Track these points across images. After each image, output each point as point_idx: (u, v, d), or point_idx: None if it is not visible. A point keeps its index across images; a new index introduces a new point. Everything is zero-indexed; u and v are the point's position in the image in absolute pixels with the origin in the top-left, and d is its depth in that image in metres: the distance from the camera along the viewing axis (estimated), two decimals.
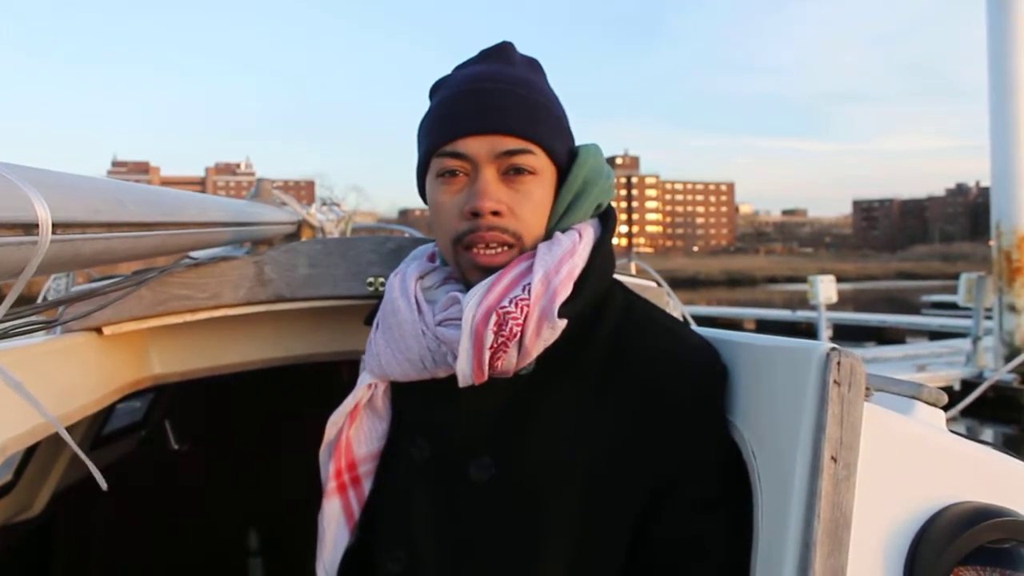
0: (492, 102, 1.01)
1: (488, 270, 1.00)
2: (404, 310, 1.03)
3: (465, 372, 0.97)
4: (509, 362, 0.97)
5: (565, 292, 0.98)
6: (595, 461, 0.96)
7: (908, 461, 0.82)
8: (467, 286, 1.03)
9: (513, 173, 1.00)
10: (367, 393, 1.09)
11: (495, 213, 0.99)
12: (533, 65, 1.11)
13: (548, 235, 1.04)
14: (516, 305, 0.96)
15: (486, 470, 0.99)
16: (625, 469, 0.96)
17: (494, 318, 0.95)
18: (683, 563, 0.94)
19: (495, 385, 1.00)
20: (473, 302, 0.97)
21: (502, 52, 1.08)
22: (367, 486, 1.12)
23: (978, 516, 0.79)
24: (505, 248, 1.00)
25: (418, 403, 1.08)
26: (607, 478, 0.96)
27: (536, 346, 0.98)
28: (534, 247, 1.02)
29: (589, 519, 0.96)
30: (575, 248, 1.01)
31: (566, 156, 1.06)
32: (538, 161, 1.02)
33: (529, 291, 0.97)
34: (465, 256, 1.01)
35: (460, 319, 0.98)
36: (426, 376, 1.04)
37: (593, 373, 1.00)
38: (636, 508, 0.96)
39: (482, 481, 0.99)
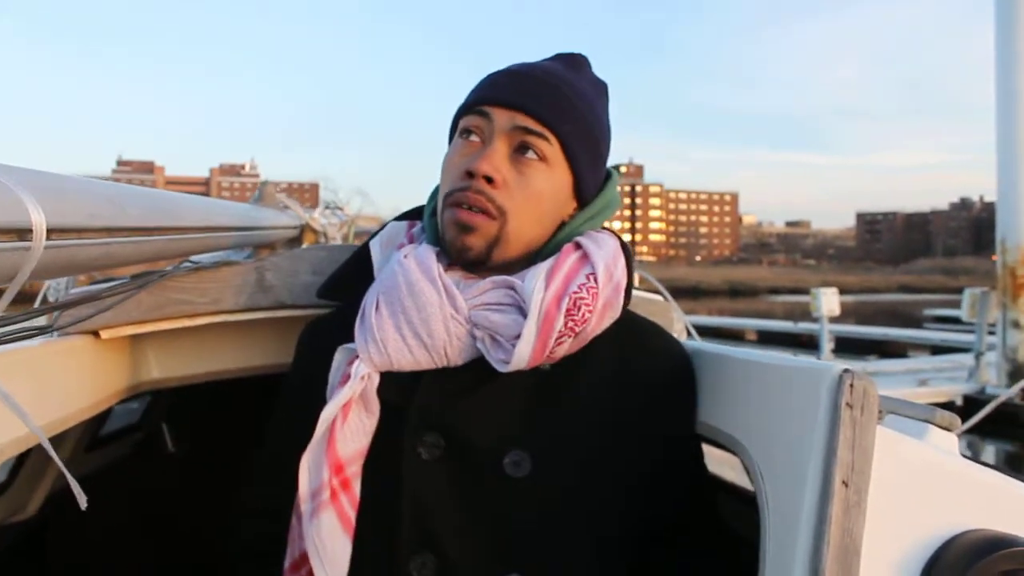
0: (530, 85, 1.03)
1: (463, 228, 0.99)
2: (429, 292, 0.98)
3: (524, 356, 0.96)
4: (564, 349, 1.00)
5: (623, 287, 1.03)
6: (611, 453, 1.01)
7: (920, 487, 0.80)
8: (462, 264, 1.03)
9: (522, 153, 1.01)
10: (361, 385, 0.99)
11: (489, 180, 0.99)
12: (598, 86, 1.12)
13: (565, 237, 1.06)
14: (587, 291, 0.98)
15: (522, 465, 0.97)
16: (626, 461, 1.02)
17: (567, 302, 0.97)
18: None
19: (519, 378, 0.99)
20: (540, 285, 0.98)
21: (572, 59, 1.11)
22: (357, 488, 0.99)
23: (992, 545, 0.77)
24: (484, 215, 0.99)
25: (427, 396, 1.01)
26: (619, 469, 1.02)
27: (594, 334, 1.01)
28: (518, 239, 1.02)
29: (614, 510, 1.01)
30: (619, 250, 1.06)
31: (589, 172, 1.07)
32: (551, 150, 1.02)
33: (595, 279, 1.00)
34: (448, 212, 1.01)
35: (503, 304, 0.98)
36: (437, 366, 1.00)
37: (602, 370, 1.04)
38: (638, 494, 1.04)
39: (520, 476, 0.97)
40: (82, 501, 0.72)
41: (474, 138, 1.03)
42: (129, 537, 2.37)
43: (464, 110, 1.06)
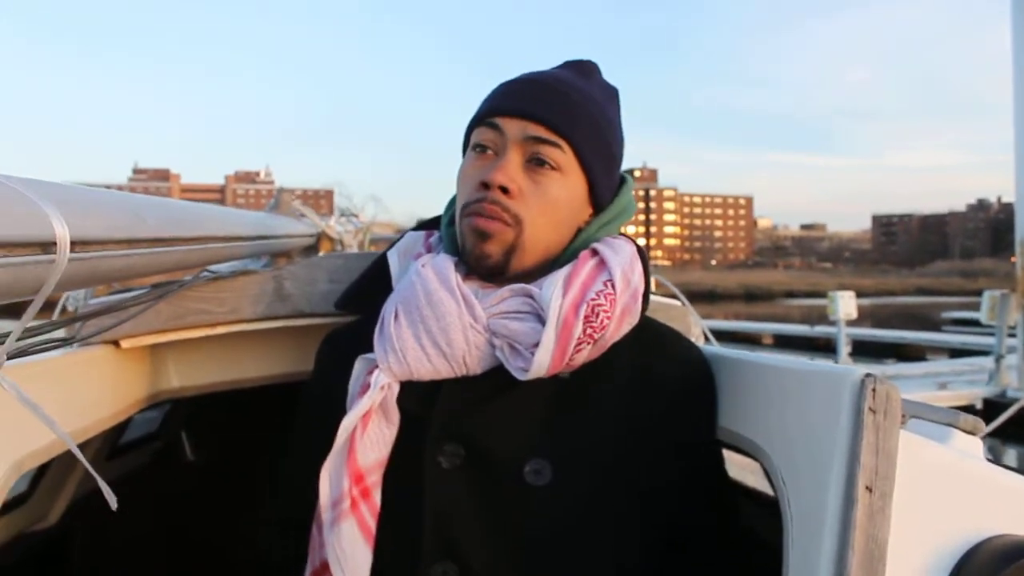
0: (541, 93, 1.03)
1: (481, 235, 1.00)
2: (448, 301, 0.98)
3: (543, 364, 0.96)
4: (583, 356, 0.99)
5: (640, 292, 1.04)
6: (631, 460, 1.01)
7: (945, 491, 0.79)
8: (481, 273, 1.03)
9: (536, 164, 1.02)
10: (381, 395, 0.99)
11: (504, 190, 1.00)
12: (608, 91, 1.12)
13: (582, 244, 1.06)
14: (605, 298, 0.99)
15: (543, 473, 0.98)
16: (646, 468, 1.02)
17: (584, 309, 0.97)
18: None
19: (538, 386, 1.00)
20: (558, 292, 0.98)
21: (582, 66, 1.12)
22: (377, 497, 1.00)
23: (1019, 551, 0.76)
24: (501, 223, 1.00)
25: (447, 405, 1.01)
26: (640, 476, 1.01)
27: (613, 340, 1.01)
28: (535, 247, 1.02)
29: (634, 517, 1.01)
30: (636, 256, 1.06)
31: (603, 178, 1.07)
32: (564, 158, 1.02)
33: (613, 286, 1.00)
34: (466, 221, 1.02)
35: (521, 312, 0.99)
36: (457, 375, 1.00)
37: (621, 376, 1.04)
38: (660, 503, 1.03)
39: (541, 484, 0.97)
40: (112, 502, 0.72)
41: (488, 151, 1.04)
42: (149, 545, 2.38)
43: (476, 122, 1.07)
